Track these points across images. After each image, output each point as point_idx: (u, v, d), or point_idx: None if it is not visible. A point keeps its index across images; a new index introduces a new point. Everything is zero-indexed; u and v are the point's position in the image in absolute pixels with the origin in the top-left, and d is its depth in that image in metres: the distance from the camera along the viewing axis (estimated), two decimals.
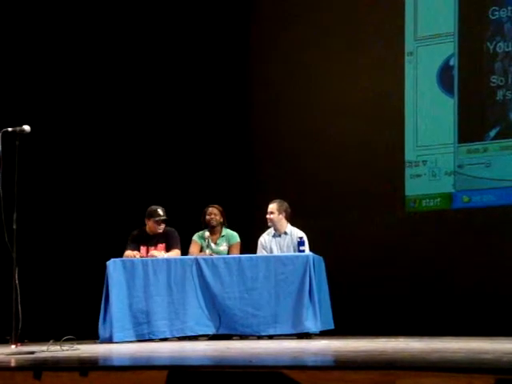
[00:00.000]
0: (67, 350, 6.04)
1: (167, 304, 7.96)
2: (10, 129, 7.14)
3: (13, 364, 4.93)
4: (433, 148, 9.51)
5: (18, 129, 7.20)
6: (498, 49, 9.27)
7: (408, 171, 9.61)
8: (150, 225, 8.41)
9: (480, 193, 9.20)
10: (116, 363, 5.16)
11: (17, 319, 6.91)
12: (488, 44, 9.31)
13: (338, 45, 10.09)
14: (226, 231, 8.63)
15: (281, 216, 8.44)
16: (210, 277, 7.96)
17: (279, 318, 7.80)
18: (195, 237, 8.64)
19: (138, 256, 8.21)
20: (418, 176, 9.55)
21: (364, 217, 9.69)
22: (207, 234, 8.60)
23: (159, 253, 8.29)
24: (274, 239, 8.48)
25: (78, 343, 6.47)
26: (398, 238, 9.47)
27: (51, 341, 6.12)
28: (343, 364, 4.38)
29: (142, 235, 8.45)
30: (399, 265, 9.36)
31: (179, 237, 8.44)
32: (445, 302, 9.09)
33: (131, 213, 9.11)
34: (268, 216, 8.43)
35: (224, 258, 8.12)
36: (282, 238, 8.46)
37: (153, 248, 8.38)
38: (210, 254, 8.36)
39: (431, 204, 9.49)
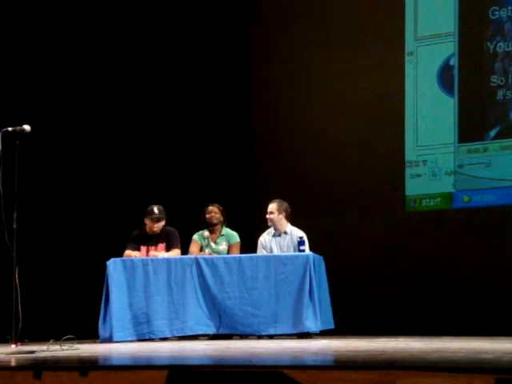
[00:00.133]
0: (67, 349, 6.04)
1: (167, 304, 7.96)
2: (10, 128, 7.14)
3: (13, 363, 4.93)
4: (433, 148, 9.51)
5: (18, 128, 7.20)
6: (498, 49, 9.27)
7: (408, 171, 9.61)
8: (147, 224, 8.42)
9: (480, 193, 9.21)
10: (116, 363, 5.16)
11: (17, 319, 6.91)
12: (488, 44, 9.31)
13: (338, 45, 10.09)
14: (225, 231, 8.63)
15: (281, 216, 8.44)
16: (210, 276, 7.96)
17: (279, 317, 7.80)
18: (195, 236, 8.64)
19: (138, 256, 8.21)
20: (418, 176, 9.55)
21: (364, 217, 9.69)
22: (207, 233, 8.61)
23: (159, 253, 8.28)
24: (273, 239, 8.48)
25: (78, 343, 6.47)
26: (398, 238, 9.47)
27: (51, 340, 6.12)
28: (343, 364, 4.38)
29: (142, 235, 8.45)
30: (399, 265, 9.36)
31: (179, 236, 8.44)
32: (445, 302, 9.09)
33: (131, 213, 9.11)
34: (268, 216, 8.44)
35: (224, 258, 8.12)
36: (282, 238, 8.46)
37: (153, 248, 8.38)
38: (210, 254, 8.37)
39: (431, 204, 9.49)
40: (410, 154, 9.62)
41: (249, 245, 8.69)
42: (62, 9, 9.96)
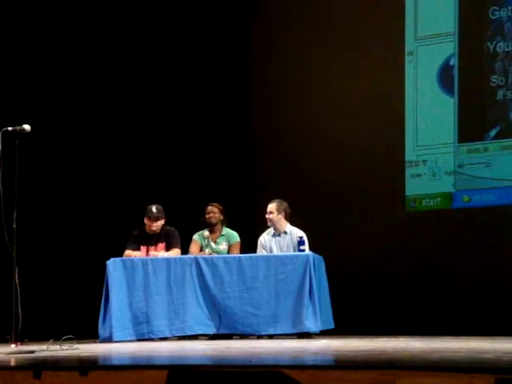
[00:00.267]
0: (67, 349, 6.04)
1: (167, 303, 7.96)
2: (10, 128, 7.14)
3: (13, 363, 4.93)
4: (433, 148, 9.51)
5: (18, 128, 7.19)
6: (498, 48, 9.27)
7: (408, 171, 9.61)
8: (146, 223, 8.42)
9: (480, 192, 9.20)
10: (116, 363, 5.16)
11: (17, 318, 6.90)
12: (488, 44, 9.31)
13: (338, 45, 10.08)
14: (226, 230, 8.63)
15: (280, 216, 8.44)
16: (209, 276, 7.96)
17: (279, 317, 7.80)
18: (195, 236, 8.64)
19: (138, 256, 8.21)
20: (418, 176, 9.55)
21: (364, 217, 9.69)
22: (207, 233, 8.61)
23: (159, 253, 8.28)
24: (273, 239, 8.48)
25: (77, 342, 6.47)
26: (398, 238, 9.47)
27: (51, 340, 6.12)
28: (343, 364, 4.38)
29: (142, 235, 8.45)
30: (399, 265, 9.36)
31: (179, 236, 8.44)
32: (445, 302, 9.09)
33: (131, 213, 9.10)
34: (267, 216, 8.44)
35: (224, 258, 8.12)
36: (282, 238, 8.46)
37: (153, 247, 8.38)
38: (210, 254, 8.37)
39: (431, 204, 9.49)
40: (409, 154, 9.62)
41: (249, 245, 8.68)
42: (62, 9, 9.96)
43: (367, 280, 9.44)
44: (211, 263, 8.00)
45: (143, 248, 8.39)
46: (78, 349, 6.16)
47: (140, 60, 10.46)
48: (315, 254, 8.00)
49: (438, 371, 3.52)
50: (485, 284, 8.95)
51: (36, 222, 9.31)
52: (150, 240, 8.42)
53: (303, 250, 8.03)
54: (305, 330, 7.74)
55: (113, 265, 7.99)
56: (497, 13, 9.29)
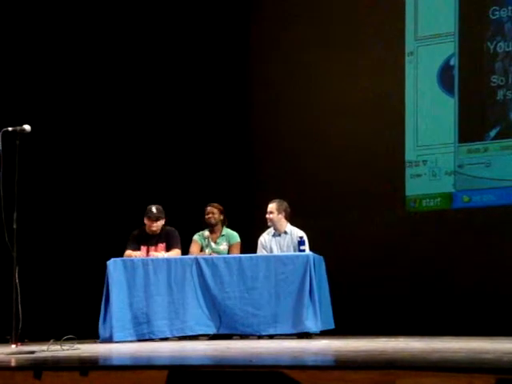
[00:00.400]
0: (67, 349, 6.04)
1: (167, 304, 7.96)
2: (10, 128, 7.14)
3: (13, 364, 4.93)
4: (433, 148, 9.51)
5: (18, 128, 7.20)
6: (498, 49, 9.27)
7: (408, 171, 9.62)
8: (146, 223, 8.42)
9: (480, 193, 9.21)
10: (116, 363, 5.16)
11: (17, 319, 6.91)
12: (488, 44, 9.31)
13: (338, 45, 10.08)
14: (226, 231, 8.63)
15: (280, 216, 8.44)
16: (210, 276, 7.96)
17: (279, 317, 7.80)
18: (195, 236, 8.64)
19: (138, 256, 8.21)
20: (419, 176, 9.55)
21: (364, 217, 9.69)
22: (207, 233, 8.61)
23: (159, 253, 8.28)
24: (273, 239, 8.48)
25: (78, 343, 6.47)
26: (398, 238, 9.47)
27: (51, 340, 6.12)
28: (343, 364, 4.38)
29: (142, 235, 8.45)
30: (399, 265, 9.36)
31: (179, 236, 8.44)
32: (445, 302, 9.09)
33: (131, 213, 9.10)
34: (267, 216, 8.44)
35: (224, 258, 8.12)
36: (282, 238, 8.46)
37: (153, 248, 8.37)
38: (210, 254, 8.37)
39: (431, 204, 9.49)
40: (410, 154, 9.62)
41: (249, 245, 8.69)
42: (62, 9, 9.96)
43: (367, 280, 9.44)
44: (211, 263, 8.00)
45: (143, 248, 8.39)
46: (79, 349, 6.16)
47: (140, 60, 10.46)
48: (315, 254, 8.00)
49: (438, 371, 3.52)
50: (485, 284, 8.95)
51: (36, 222, 9.31)
52: (150, 240, 8.42)
53: (303, 250, 8.03)
54: (305, 330, 7.74)
55: (113, 265, 7.99)
56: (497, 13, 9.29)
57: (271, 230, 8.51)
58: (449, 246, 9.24)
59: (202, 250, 8.56)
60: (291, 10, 10.44)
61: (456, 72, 9.47)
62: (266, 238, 8.51)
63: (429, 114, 9.57)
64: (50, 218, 9.62)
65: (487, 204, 9.15)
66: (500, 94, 9.24)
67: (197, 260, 8.03)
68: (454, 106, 9.42)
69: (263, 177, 10.41)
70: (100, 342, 7.78)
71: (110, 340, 7.77)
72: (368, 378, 3.54)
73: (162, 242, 8.39)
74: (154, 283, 7.98)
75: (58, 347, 6.03)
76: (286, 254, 8.18)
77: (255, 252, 8.43)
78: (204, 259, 8.06)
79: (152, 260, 8.11)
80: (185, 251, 8.47)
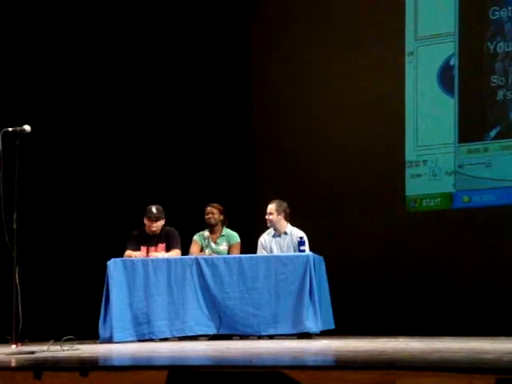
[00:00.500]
0: (67, 349, 6.04)
1: (167, 304, 7.96)
2: (10, 129, 7.14)
3: (13, 364, 4.93)
4: (433, 148, 9.51)
5: (18, 129, 7.20)
6: (498, 49, 9.27)
7: (408, 171, 9.61)
8: (146, 223, 8.41)
9: (480, 193, 9.21)
10: (116, 363, 5.16)
11: (17, 319, 6.91)
12: (488, 44, 9.31)
13: (338, 45, 10.08)
14: (226, 231, 8.63)
15: (280, 216, 8.44)
16: (210, 277, 7.96)
17: (279, 317, 7.80)
18: (196, 237, 8.64)
19: (138, 256, 8.21)
20: (419, 176, 9.55)
21: (364, 217, 9.69)
22: (207, 233, 8.61)
23: (159, 253, 8.28)
24: (273, 239, 8.48)
25: (78, 343, 6.47)
26: (398, 238, 9.47)
27: (51, 341, 6.12)
28: (343, 364, 4.38)
29: (142, 235, 8.45)
30: (399, 265, 9.36)
31: (179, 237, 8.43)
32: (445, 302, 9.09)
33: (131, 213, 9.11)
34: (267, 217, 8.43)
35: (224, 258, 8.12)
36: (282, 238, 8.46)
37: (153, 248, 8.37)
38: (210, 254, 8.37)
39: (431, 204, 9.49)
40: (410, 154, 9.62)
41: (249, 245, 8.69)
42: (62, 9, 9.96)
43: (367, 280, 9.44)
44: (211, 264, 8.00)
45: (143, 248, 8.38)
46: (79, 349, 6.16)
47: (140, 60, 10.46)
48: (315, 255, 8.00)
49: (438, 371, 3.52)
50: (485, 284, 8.95)
51: (36, 222, 9.31)
52: (150, 240, 8.42)
53: (303, 251, 8.03)
54: (305, 331, 7.74)
55: (113, 265, 7.99)
56: (497, 13, 9.29)
57: (271, 231, 8.51)
58: (449, 246, 9.24)
59: (202, 250, 8.56)
60: (291, 9, 10.44)
61: (456, 72, 9.47)
62: (265, 238, 8.51)
63: (429, 114, 9.57)
64: (50, 218, 9.62)
65: (487, 204, 9.15)
66: (500, 94, 9.24)
67: (197, 260, 8.03)
68: (454, 106, 9.42)
69: (263, 177, 10.41)
70: (100, 343, 7.78)
71: (110, 340, 7.77)
72: (368, 378, 3.54)
73: (161, 243, 8.39)
74: (154, 283, 7.98)
75: (58, 347, 6.03)
76: (285, 254, 8.18)
77: (255, 252, 8.43)
78: (204, 259, 8.06)
79: (152, 260, 8.11)
80: (185, 251, 8.47)
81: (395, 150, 9.68)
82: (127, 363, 5.09)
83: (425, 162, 9.53)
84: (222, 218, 8.62)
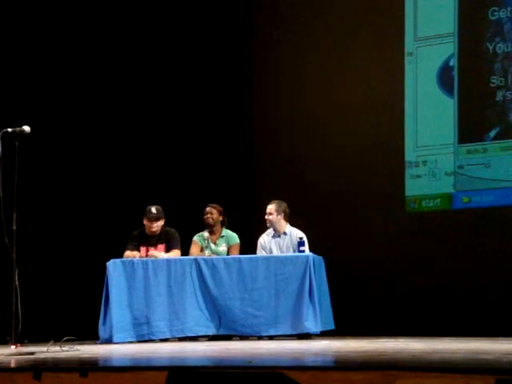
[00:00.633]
0: (67, 350, 6.04)
1: (167, 304, 7.96)
2: (9, 129, 7.13)
3: (13, 365, 4.93)
4: (433, 148, 9.51)
5: (17, 129, 7.20)
6: (497, 49, 9.27)
7: (408, 172, 9.61)
8: (145, 224, 8.41)
9: (480, 193, 9.20)
10: (116, 364, 5.16)
11: (17, 320, 6.90)
12: (488, 44, 9.31)
13: (338, 45, 10.08)
14: (225, 232, 8.63)
15: (279, 217, 8.44)
16: (209, 277, 7.96)
17: (279, 318, 7.79)
18: (195, 237, 8.64)
19: (137, 256, 8.21)
20: (418, 176, 9.55)
21: (364, 217, 9.68)
22: (207, 234, 8.60)
23: (159, 253, 8.28)
24: (273, 240, 8.48)
25: (78, 344, 6.48)
26: (398, 239, 9.47)
27: (51, 341, 6.12)
28: (343, 364, 4.38)
29: (141, 235, 8.45)
30: (399, 265, 9.36)
31: (179, 237, 8.43)
32: (445, 303, 9.09)
33: (131, 213, 9.10)
34: (267, 217, 8.43)
35: (224, 259, 8.12)
36: (282, 239, 8.46)
37: (153, 248, 8.37)
38: (210, 255, 8.36)
39: (431, 204, 9.49)
40: (409, 155, 9.62)
41: (248, 246, 8.68)
42: (62, 9, 9.96)
43: (367, 280, 9.44)
44: (211, 264, 8.00)
45: (143, 249, 8.38)
46: (78, 350, 6.16)
47: (141, 61, 10.46)
48: (315, 255, 8.00)
49: (437, 372, 3.53)
50: (485, 284, 8.95)
51: (36, 223, 9.31)
52: (150, 241, 8.41)
53: (303, 251, 8.03)
54: (305, 331, 7.74)
55: (113, 266, 7.99)
56: (496, 13, 9.29)
57: (271, 231, 8.51)
58: (449, 246, 9.24)
59: (201, 250, 8.55)
60: (291, 10, 10.44)
61: (455, 73, 9.47)
62: (265, 238, 8.51)
63: (428, 115, 9.57)
64: (49, 219, 9.61)
65: (487, 204, 9.15)
66: (499, 94, 9.24)
67: (196, 261, 8.03)
68: (453, 106, 9.42)
69: (263, 177, 10.41)
70: (100, 343, 7.77)
71: (109, 341, 7.77)
72: (368, 378, 3.54)
73: (161, 243, 8.38)
74: (153, 284, 7.98)
75: (57, 348, 6.03)
76: (285, 254, 8.18)
77: (255, 253, 8.43)
78: (204, 260, 8.06)
79: (152, 261, 8.10)
80: (185, 252, 8.47)
81: (395, 150, 9.68)
82: (127, 364, 5.09)
83: (424, 162, 9.53)
84: (221, 218, 8.62)
